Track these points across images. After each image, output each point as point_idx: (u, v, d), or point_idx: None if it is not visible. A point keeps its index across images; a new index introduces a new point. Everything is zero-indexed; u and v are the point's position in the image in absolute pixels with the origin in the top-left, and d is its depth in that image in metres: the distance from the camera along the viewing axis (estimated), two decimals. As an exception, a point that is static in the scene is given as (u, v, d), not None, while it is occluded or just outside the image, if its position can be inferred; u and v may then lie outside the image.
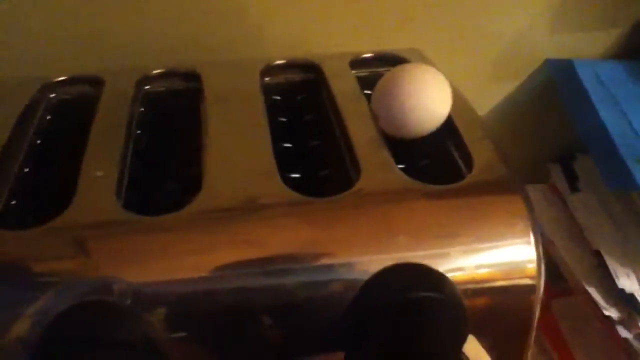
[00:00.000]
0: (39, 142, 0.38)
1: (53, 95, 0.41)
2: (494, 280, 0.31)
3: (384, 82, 0.36)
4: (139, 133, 0.37)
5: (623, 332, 0.55)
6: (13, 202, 0.33)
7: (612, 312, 0.55)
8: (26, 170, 0.35)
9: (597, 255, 0.57)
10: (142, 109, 0.39)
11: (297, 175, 0.35)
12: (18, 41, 0.51)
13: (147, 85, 0.41)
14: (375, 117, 0.36)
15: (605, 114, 0.55)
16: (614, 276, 0.55)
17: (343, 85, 0.39)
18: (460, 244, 0.30)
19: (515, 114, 0.66)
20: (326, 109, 0.39)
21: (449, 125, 0.36)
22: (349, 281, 0.29)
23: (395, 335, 0.28)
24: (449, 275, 0.29)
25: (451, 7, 0.58)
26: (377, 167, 0.33)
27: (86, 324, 0.27)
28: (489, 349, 0.31)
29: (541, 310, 0.72)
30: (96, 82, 0.40)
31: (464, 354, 0.31)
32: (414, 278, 0.28)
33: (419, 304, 0.28)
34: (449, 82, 0.36)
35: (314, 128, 0.40)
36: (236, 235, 0.30)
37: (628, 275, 0.55)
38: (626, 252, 0.56)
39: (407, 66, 0.36)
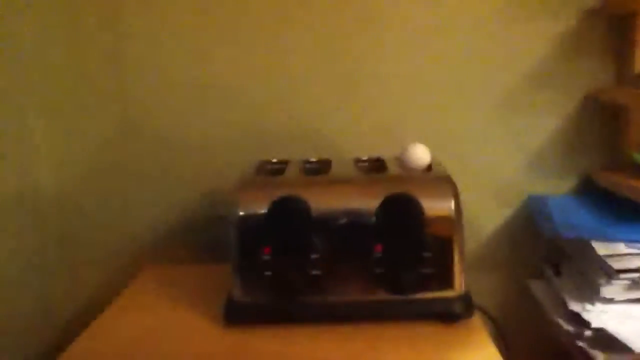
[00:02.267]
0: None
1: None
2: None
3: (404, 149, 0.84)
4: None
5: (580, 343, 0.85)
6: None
7: (569, 328, 0.87)
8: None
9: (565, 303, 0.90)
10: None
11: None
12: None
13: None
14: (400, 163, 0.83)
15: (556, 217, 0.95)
16: (570, 306, 0.88)
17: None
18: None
19: (512, 232, 1.04)
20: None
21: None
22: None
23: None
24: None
25: (459, 155, 1.01)
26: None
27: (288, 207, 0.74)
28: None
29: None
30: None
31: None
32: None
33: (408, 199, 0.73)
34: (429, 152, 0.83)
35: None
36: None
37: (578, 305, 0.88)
38: (581, 297, 0.89)
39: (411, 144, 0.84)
